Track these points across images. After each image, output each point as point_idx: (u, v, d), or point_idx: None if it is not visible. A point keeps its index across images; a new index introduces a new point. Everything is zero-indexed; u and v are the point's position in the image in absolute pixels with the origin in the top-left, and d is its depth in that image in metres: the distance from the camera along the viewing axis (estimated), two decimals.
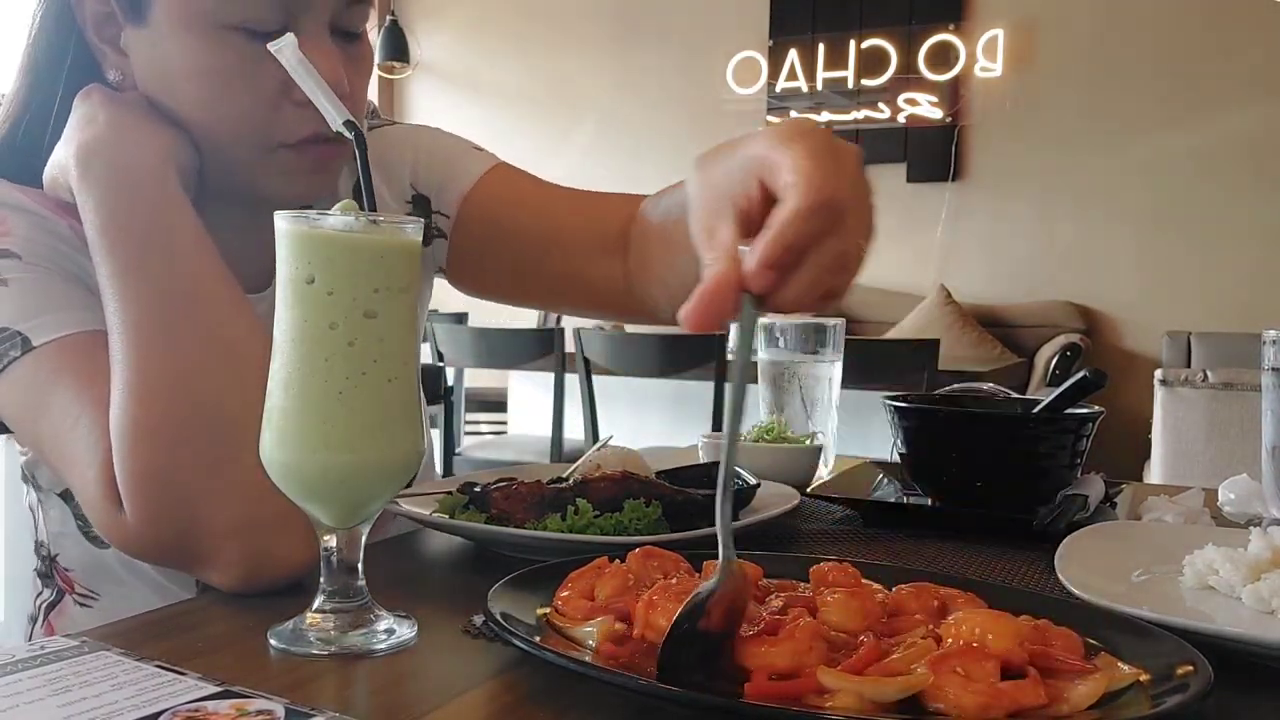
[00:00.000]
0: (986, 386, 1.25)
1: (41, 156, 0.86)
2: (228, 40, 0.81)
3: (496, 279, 1.09)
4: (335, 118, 0.74)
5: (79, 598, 0.96)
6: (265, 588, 0.73)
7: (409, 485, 0.87)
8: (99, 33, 0.85)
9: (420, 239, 0.66)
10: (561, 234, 1.04)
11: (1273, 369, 0.94)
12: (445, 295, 1.23)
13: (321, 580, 0.65)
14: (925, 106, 4.99)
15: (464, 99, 6.08)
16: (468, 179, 1.06)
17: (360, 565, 0.65)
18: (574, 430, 3.43)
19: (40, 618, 0.98)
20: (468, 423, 4.63)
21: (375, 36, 5.84)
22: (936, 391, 1.29)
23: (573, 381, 3.33)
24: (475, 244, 1.06)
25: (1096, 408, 1.02)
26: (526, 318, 4.78)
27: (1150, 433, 2.94)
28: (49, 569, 0.98)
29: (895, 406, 1.05)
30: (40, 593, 0.99)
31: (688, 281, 0.74)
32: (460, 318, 4.61)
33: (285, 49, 0.74)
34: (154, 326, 0.75)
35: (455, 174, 1.06)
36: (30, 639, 0.97)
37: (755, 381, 1.31)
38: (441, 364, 3.46)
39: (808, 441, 1.18)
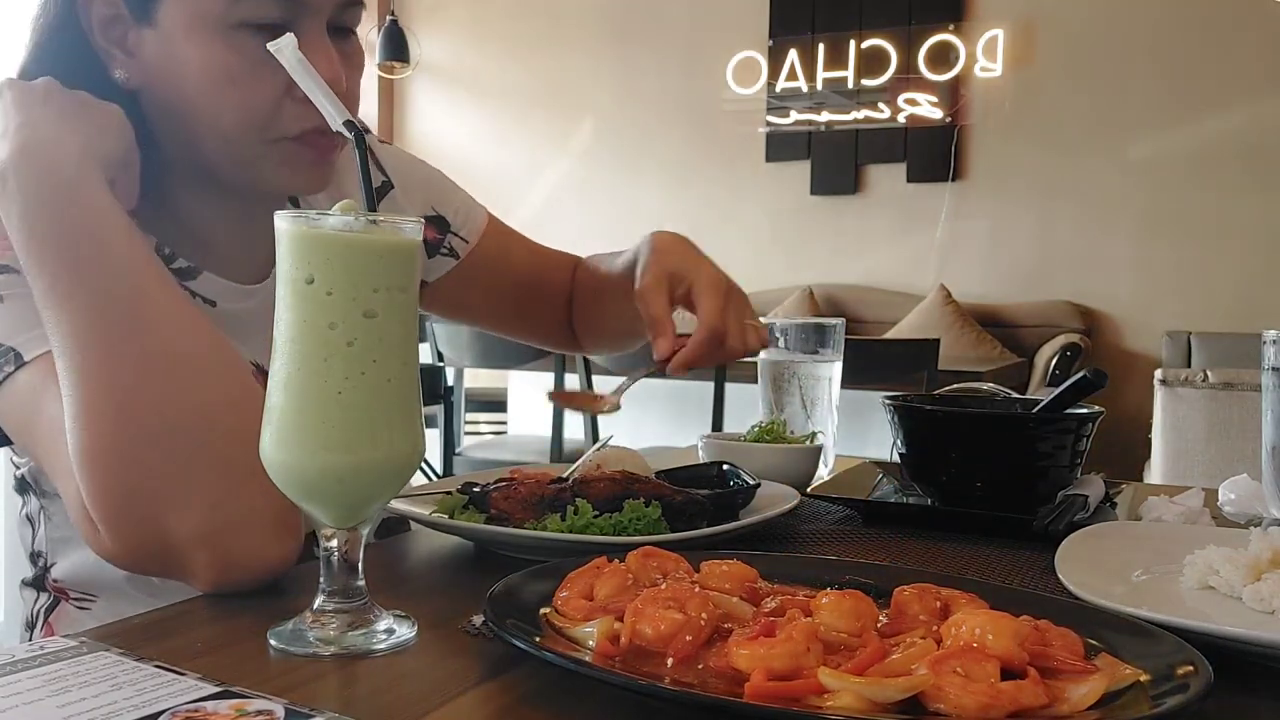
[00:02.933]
0: (986, 386, 1.25)
1: None
2: (234, 39, 0.82)
3: (481, 308, 1.24)
4: (335, 117, 0.75)
5: (76, 601, 0.96)
6: (243, 587, 0.74)
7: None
8: (105, 34, 0.85)
9: (420, 239, 0.66)
10: (547, 282, 1.24)
11: (1273, 369, 0.94)
12: None
13: (321, 580, 0.65)
14: (925, 106, 4.99)
15: (464, 99, 6.08)
16: (483, 214, 1.21)
17: (360, 565, 0.65)
18: (574, 430, 3.43)
19: (39, 622, 0.98)
20: (468, 423, 4.63)
21: (375, 36, 5.84)
22: (936, 391, 1.29)
23: (573, 381, 3.33)
24: (481, 274, 1.19)
25: (1096, 408, 1.02)
26: None
27: (1150, 433, 2.94)
28: (40, 581, 0.97)
29: (895, 406, 1.05)
30: (36, 599, 0.99)
31: (611, 325, 1.22)
32: None
33: (285, 49, 0.75)
34: (89, 343, 0.73)
35: (472, 207, 1.20)
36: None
37: (755, 381, 1.31)
38: (441, 364, 3.46)
39: (808, 441, 1.18)
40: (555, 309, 1.25)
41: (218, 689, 0.54)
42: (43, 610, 0.98)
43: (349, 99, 0.88)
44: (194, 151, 0.87)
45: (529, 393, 4.02)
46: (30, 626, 0.99)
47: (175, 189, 0.91)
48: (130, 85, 0.86)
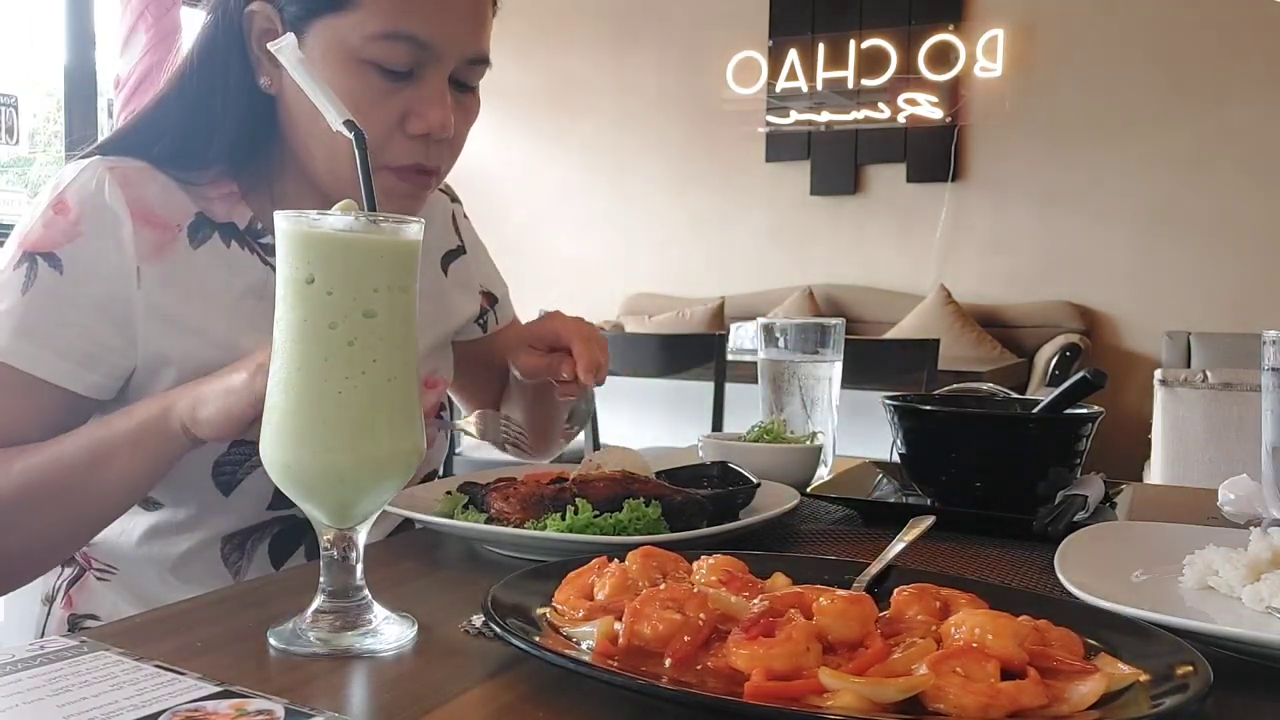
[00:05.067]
0: (986, 386, 1.25)
1: (182, 141, 0.97)
2: (364, 72, 0.92)
3: (467, 384, 1.31)
4: (335, 117, 0.75)
5: (98, 572, 1.00)
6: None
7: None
8: (259, 44, 0.95)
9: (420, 239, 0.66)
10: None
11: (1272, 369, 0.94)
12: None
13: (321, 580, 0.65)
14: (925, 106, 4.99)
15: None
16: (513, 312, 1.33)
17: (360, 565, 0.65)
18: None
19: (60, 594, 1.02)
20: None
21: None
22: (936, 391, 1.29)
23: None
24: (486, 358, 1.27)
25: (1096, 408, 1.02)
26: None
27: (1150, 433, 2.94)
28: None
29: (895, 406, 1.05)
30: (60, 572, 1.03)
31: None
32: None
33: (285, 49, 0.75)
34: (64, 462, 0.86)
35: (508, 300, 1.31)
36: (47, 619, 1.03)
37: (755, 381, 1.31)
38: None
39: (808, 441, 1.18)
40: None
41: (218, 689, 0.54)
42: (64, 583, 1.02)
43: (455, 145, 0.99)
44: (307, 160, 0.97)
45: None
46: (49, 600, 1.03)
47: (285, 192, 1.02)
48: (270, 91, 0.97)
